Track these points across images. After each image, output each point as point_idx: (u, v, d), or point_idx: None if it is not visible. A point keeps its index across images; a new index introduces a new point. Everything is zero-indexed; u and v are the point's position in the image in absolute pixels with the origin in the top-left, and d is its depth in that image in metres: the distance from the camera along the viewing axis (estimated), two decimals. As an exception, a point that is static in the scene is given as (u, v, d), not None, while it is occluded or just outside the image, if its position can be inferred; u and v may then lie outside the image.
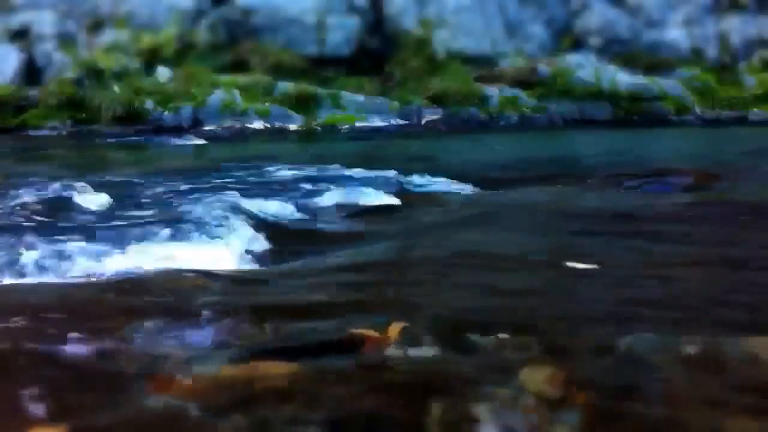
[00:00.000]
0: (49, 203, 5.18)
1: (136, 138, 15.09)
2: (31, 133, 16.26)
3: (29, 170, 8.56)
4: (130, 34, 19.48)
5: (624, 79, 19.43)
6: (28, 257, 3.53)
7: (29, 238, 3.86)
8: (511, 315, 2.33)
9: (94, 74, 18.04)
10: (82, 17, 19.70)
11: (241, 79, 18.39)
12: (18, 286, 3.08)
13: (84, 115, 16.93)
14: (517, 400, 1.54)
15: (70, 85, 17.51)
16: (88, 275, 3.31)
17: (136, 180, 7.08)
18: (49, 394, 1.68)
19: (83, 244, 3.81)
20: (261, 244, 3.96)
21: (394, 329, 1.98)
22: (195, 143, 13.85)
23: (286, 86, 18.29)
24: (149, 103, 17.29)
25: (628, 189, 6.05)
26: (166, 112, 17.27)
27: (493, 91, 18.94)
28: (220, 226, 4.22)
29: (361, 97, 18.46)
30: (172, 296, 2.67)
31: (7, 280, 3.19)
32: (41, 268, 3.39)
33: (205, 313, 2.31)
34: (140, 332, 2.14)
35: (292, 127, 17.39)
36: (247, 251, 3.78)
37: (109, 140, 14.61)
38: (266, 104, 17.81)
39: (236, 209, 4.72)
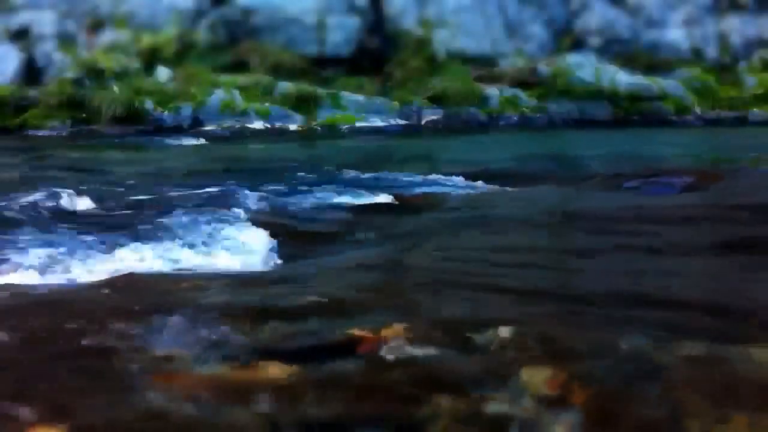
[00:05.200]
0: (49, 204, 5.18)
1: (136, 138, 15.09)
2: (32, 133, 16.27)
3: (30, 171, 8.56)
4: (130, 34, 19.49)
5: (624, 79, 19.44)
6: (28, 257, 3.53)
7: (30, 238, 3.86)
8: (511, 315, 2.33)
9: (94, 74, 18.04)
10: (82, 17, 19.71)
11: (241, 79, 18.40)
12: (18, 286, 3.07)
13: (84, 115, 16.94)
14: (518, 400, 1.54)
15: (70, 85, 17.52)
16: (88, 275, 3.31)
17: (136, 180, 7.08)
18: (49, 393, 1.68)
19: (84, 244, 3.81)
20: (261, 244, 3.96)
21: (394, 329, 1.97)
22: (195, 143, 13.85)
23: (286, 86, 18.30)
24: (149, 103, 17.30)
25: (628, 189, 6.05)
26: (166, 112, 17.28)
27: (493, 91, 18.95)
28: (220, 226, 4.22)
29: (361, 97, 18.46)
30: (172, 296, 2.67)
31: (7, 280, 3.19)
32: (41, 269, 3.39)
33: (205, 313, 2.31)
34: (140, 332, 2.14)
35: (292, 127, 17.39)
36: (247, 252, 3.78)
37: (109, 140, 14.61)
38: (266, 104, 17.82)
39: (235, 210, 4.72)
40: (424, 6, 20.78)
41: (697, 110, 19.32)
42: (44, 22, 19.38)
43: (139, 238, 3.95)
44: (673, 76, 20.00)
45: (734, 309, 2.40)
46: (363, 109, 18.16)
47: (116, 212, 4.97)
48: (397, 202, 5.53)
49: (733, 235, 3.86)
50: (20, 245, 3.72)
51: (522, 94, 18.99)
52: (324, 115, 17.93)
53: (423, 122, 18.16)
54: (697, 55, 20.94)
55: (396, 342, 1.90)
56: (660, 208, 4.92)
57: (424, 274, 3.08)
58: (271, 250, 3.89)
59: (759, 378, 1.67)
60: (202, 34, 19.80)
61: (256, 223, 4.38)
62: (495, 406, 1.52)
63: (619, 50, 20.79)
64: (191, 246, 3.82)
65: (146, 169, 8.54)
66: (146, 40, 19.35)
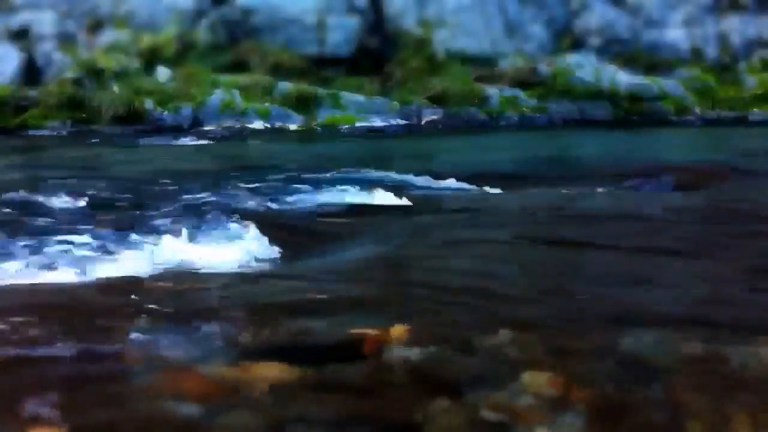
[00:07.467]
0: (48, 204, 5.18)
1: (136, 138, 15.08)
2: (32, 133, 16.26)
3: (30, 171, 8.56)
4: (130, 34, 19.48)
5: (624, 79, 19.44)
6: (28, 258, 3.53)
7: (29, 238, 3.86)
8: (512, 315, 2.33)
9: (94, 74, 18.04)
10: (82, 17, 19.71)
11: (241, 79, 18.39)
12: (18, 287, 3.08)
13: (84, 115, 16.93)
14: (518, 400, 1.54)
15: (70, 85, 17.51)
16: (88, 275, 3.31)
17: (136, 180, 7.08)
18: (49, 394, 1.68)
19: (83, 244, 3.81)
20: (262, 244, 3.96)
21: (395, 330, 1.98)
22: (195, 143, 13.84)
23: (286, 86, 18.29)
24: (149, 103, 17.29)
25: (628, 189, 6.05)
26: (166, 112, 17.27)
27: (493, 91, 18.94)
28: (221, 226, 4.22)
29: (361, 97, 18.45)
30: (172, 296, 2.67)
31: (7, 281, 3.19)
32: (41, 269, 3.39)
33: (206, 313, 2.31)
34: (140, 332, 2.14)
35: (292, 127, 17.39)
36: (248, 251, 3.78)
37: (109, 140, 14.61)
38: (266, 104, 17.82)
39: (235, 209, 4.72)
40: (424, 6, 20.77)
41: (697, 110, 19.31)
42: (44, 22, 19.37)
43: (138, 237, 3.95)
44: (673, 76, 20.00)
45: (735, 309, 2.40)
46: (363, 109, 18.15)
47: (116, 212, 4.97)
48: (397, 203, 5.53)
49: (732, 234, 3.86)
50: (20, 246, 3.72)
51: (522, 94, 18.99)
52: (324, 115, 17.93)
53: (423, 122, 18.16)
54: (697, 55, 20.93)
55: (397, 342, 1.90)
56: (659, 208, 4.92)
57: (425, 275, 3.09)
58: (271, 249, 3.88)
59: (759, 378, 1.68)
60: (202, 34, 19.80)
61: (257, 222, 4.38)
62: (495, 406, 1.52)
63: (619, 50, 20.78)
64: (191, 246, 3.82)
65: (146, 169, 8.54)
66: (146, 40, 19.34)
